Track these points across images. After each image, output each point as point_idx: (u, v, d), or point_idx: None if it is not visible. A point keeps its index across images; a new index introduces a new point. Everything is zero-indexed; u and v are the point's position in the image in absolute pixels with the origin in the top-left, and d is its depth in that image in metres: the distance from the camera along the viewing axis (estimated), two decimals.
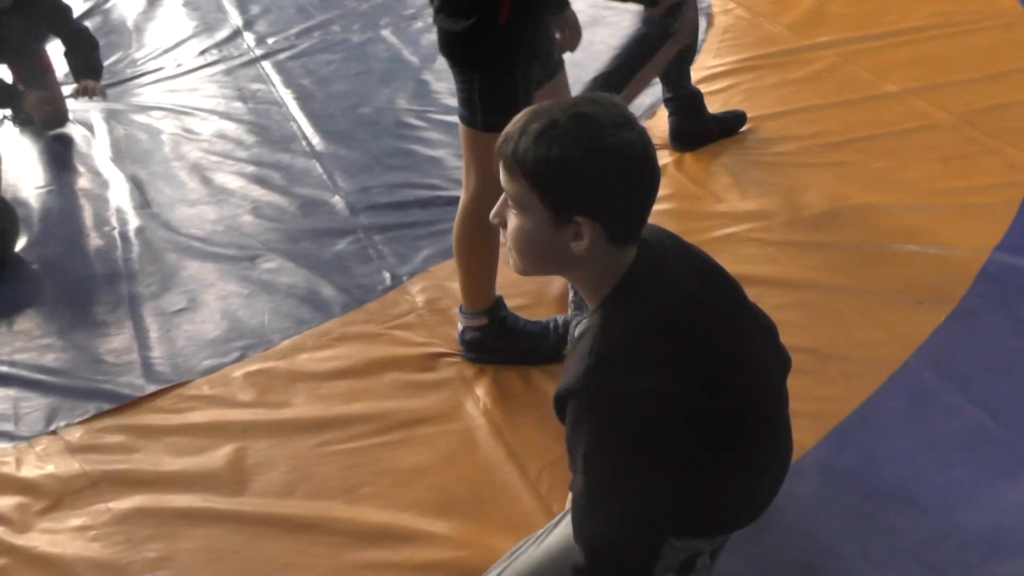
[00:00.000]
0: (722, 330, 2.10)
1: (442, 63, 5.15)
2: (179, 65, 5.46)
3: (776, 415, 2.27)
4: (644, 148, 1.94)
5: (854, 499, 2.78)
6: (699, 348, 2.02)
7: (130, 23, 5.97)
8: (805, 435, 2.92)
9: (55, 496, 2.96)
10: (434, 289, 3.65)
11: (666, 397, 1.96)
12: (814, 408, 3.02)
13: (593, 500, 2.01)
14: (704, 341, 2.04)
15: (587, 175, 1.91)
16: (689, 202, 4.03)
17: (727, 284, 2.20)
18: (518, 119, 1.97)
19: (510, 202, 2.01)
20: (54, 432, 3.18)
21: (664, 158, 4.28)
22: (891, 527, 2.70)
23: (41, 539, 2.83)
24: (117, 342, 3.54)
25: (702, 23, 5.38)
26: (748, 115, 4.51)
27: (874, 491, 2.80)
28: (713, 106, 4.52)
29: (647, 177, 1.96)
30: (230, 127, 4.78)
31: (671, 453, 2.00)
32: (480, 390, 3.20)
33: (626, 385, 1.94)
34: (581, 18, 3.40)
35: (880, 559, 2.63)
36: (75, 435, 3.17)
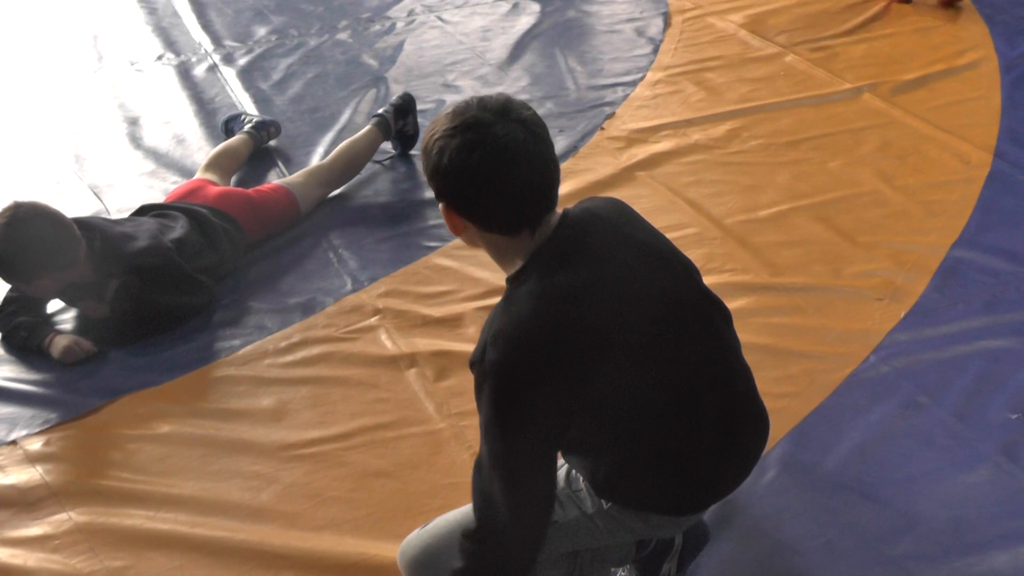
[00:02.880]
0: (635, 309, 2.13)
1: (401, 65, 5.22)
2: (135, 67, 5.43)
3: (709, 399, 2.24)
4: (504, 146, 2.03)
5: (816, 495, 2.80)
6: (593, 326, 2.08)
7: (88, 25, 5.93)
8: None
9: (15, 506, 2.93)
10: (395, 294, 3.64)
11: (558, 372, 2.04)
12: (775, 405, 3.01)
13: (487, 468, 2.11)
14: (604, 318, 2.09)
15: (442, 176, 2.09)
16: (650, 202, 4.03)
17: (661, 262, 2.22)
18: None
19: None
20: (13, 442, 3.15)
21: (631, 156, 4.29)
22: (853, 522, 2.72)
23: (2, 551, 2.80)
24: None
25: (659, 24, 5.41)
26: (705, 114, 4.53)
27: (836, 487, 2.82)
28: (671, 105, 4.54)
29: (506, 176, 2.05)
30: (187, 131, 4.75)
31: (562, 426, 2.10)
32: (443, 393, 3.20)
33: (518, 359, 2.03)
34: None
35: (843, 554, 2.65)
36: (35, 444, 3.13)
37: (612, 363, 2.09)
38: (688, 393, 2.19)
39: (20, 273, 3.44)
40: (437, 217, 4.03)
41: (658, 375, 2.15)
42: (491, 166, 2.04)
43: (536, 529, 2.17)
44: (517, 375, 2.05)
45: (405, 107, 4.44)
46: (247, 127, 4.52)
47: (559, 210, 2.18)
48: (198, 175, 4.17)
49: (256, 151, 4.52)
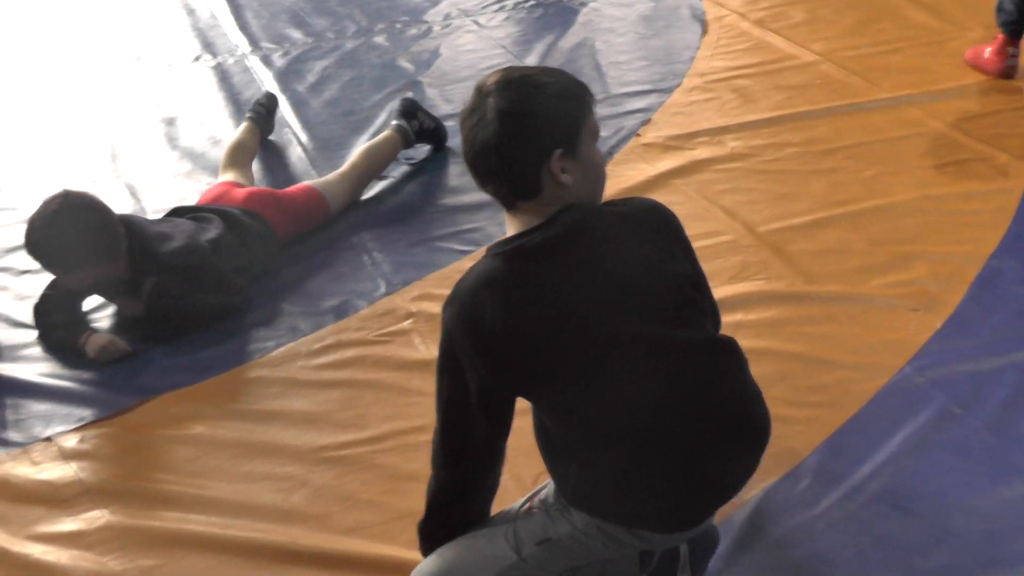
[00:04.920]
0: (577, 329, 2.19)
1: (436, 69, 5.22)
2: (172, 67, 5.46)
3: (673, 418, 2.23)
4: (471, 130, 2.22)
5: (849, 506, 2.78)
6: (530, 319, 2.18)
7: (126, 25, 5.97)
8: (800, 441, 2.93)
9: (49, 502, 2.95)
10: (428, 297, 3.65)
11: (484, 345, 2.19)
12: (809, 414, 3.03)
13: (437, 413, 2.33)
14: (545, 320, 2.18)
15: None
16: (684, 209, 4.02)
17: (628, 298, 2.23)
18: None
19: None
20: (49, 439, 3.17)
21: (667, 163, 4.28)
22: (886, 533, 2.70)
23: (35, 547, 2.82)
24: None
25: (696, 31, 5.40)
26: (741, 122, 4.52)
27: (869, 498, 2.80)
28: (707, 112, 4.54)
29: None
30: (223, 132, 4.77)
31: (489, 390, 2.23)
32: None
33: (457, 320, 2.21)
34: None
35: (875, 565, 2.63)
36: (70, 441, 3.16)
37: (550, 364, 2.19)
38: (642, 411, 2.20)
39: (61, 261, 3.47)
40: (470, 221, 4.05)
41: (603, 383, 2.19)
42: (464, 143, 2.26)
43: (456, 470, 2.34)
44: (455, 334, 2.21)
45: (407, 110, 4.46)
46: (247, 115, 4.62)
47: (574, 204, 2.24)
48: (220, 179, 4.19)
49: (268, 132, 4.61)
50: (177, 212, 3.89)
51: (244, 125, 4.54)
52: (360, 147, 4.36)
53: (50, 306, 3.59)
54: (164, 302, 3.53)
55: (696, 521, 2.33)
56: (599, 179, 2.31)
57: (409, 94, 4.66)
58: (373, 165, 4.29)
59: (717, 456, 2.26)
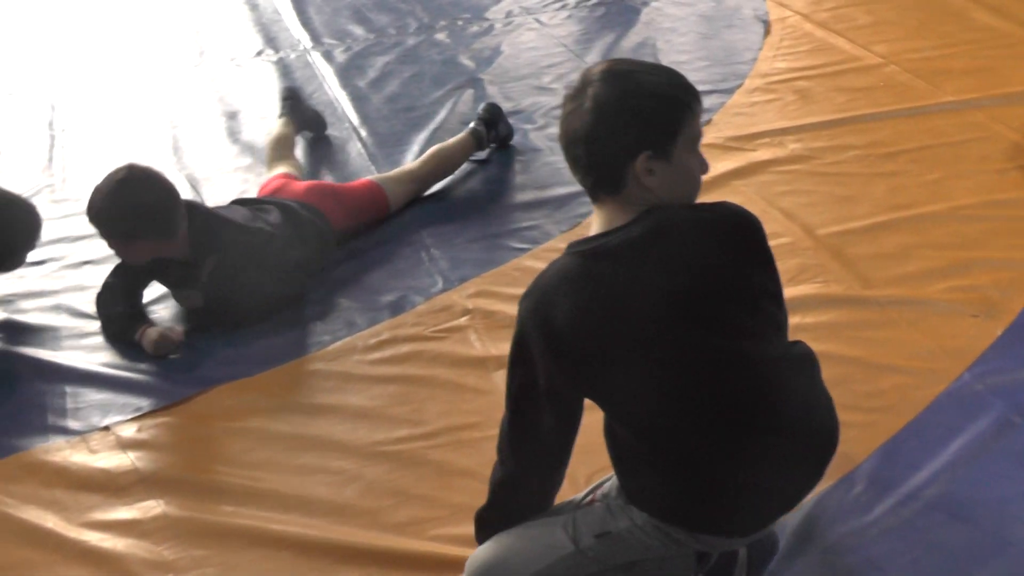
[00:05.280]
0: (661, 309, 2.18)
1: (497, 67, 5.22)
2: (235, 62, 5.50)
3: (739, 425, 2.22)
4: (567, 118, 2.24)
5: (904, 512, 2.75)
6: (598, 316, 2.17)
7: (190, 20, 6.02)
8: (856, 446, 2.90)
9: (106, 490, 2.99)
10: (485, 294, 3.65)
11: (552, 339, 2.18)
12: (865, 419, 3.00)
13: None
14: (608, 319, 2.17)
15: None
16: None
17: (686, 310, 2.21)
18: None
19: None
20: (107, 428, 3.21)
21: (727, 164, 4.26)
22: (941, 541, 2.67)
23: (91, 534, 2.85)
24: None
25: (759, 31, 5.37)
26: (802, 123, 4.50)
27: (925, 505, 2.77)
28: (768, 114, 4.51)
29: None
30: None
31: (556, 386, 2.22)
32: None
33: (529, 314, 2.22)
34: None
35: (929, 573, 2.59)
36: (128, 431, 3.19)
37: (613, 368, 2.20)
38: (707, 422, 2.20)
39: (121, 232, 3.49)
40: (529, 219, 4.05)
41: (666, 391, 2.19)
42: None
43: (521, 460, 2.35)
44: (527, 327, 2.22)
45: (491, 119, 4.47)
46: (278, 114, 4.68)
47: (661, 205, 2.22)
48: (274, 172, 4.22)
49: (306, 119, 4.66)
50: (238, 203, 3.92)
51: (279, 121, 4.57)
52: (431, 148, 4.36)
53: (110, 296, 3.62)
54: (224, 285, 3.55)
55: (758, 528, 2.33)
56: (690, 185, 2.26)
57: (494, 101, 4.65)
58: (441, 167, 4.30)
59: (782, 467, 2.24)
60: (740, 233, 2.29)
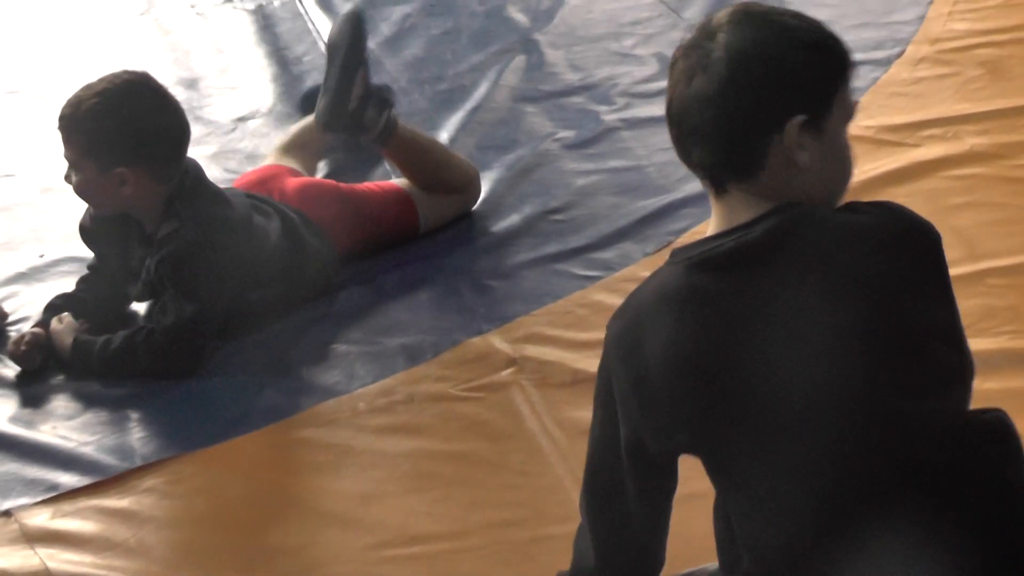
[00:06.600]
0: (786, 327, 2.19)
1: (561, 22, 5.25)
2: (195, 9, 5.58)
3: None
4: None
5: None
6: (716, 347, 2.20)
7: None
8: None
9: None
10: (537, 339, 3.69)
11: (637, 373, 2.25)
12: None
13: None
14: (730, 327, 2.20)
15: None
16: None
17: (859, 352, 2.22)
18: None
19: None
20: (7, 513, 3.23)
21: (881, 163, 4.27)
22: None
23: None
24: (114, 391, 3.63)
25: None
26: (990, 109, 4.52)
27: None
28: (940, 94, 4.54)
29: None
30: (260, 103, 4.85)
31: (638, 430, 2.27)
32: None
33: (618, 340, 2.30)
34: None
35: None
36: (38, 518, 3.22)
37: (713, 417, 2.22)
38: (842, 499, 2.21)
39: (111, 149, 3.60)
40: (596, 235, 4.06)
41: (791, 471, 2.21)
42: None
43: (601, 529, 2.41)
44: (611, 356, 2.32)
45: None
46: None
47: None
48: (269, 162, 4.27)
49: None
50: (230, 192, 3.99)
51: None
52: None
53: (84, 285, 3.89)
54: (180, 256, 3.62)
55: None
56: (844, 171, 2.31)
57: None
58: None
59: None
60: (909, 248, 2.29)
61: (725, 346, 2.19)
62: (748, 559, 2.28)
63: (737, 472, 2.25)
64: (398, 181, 4.22)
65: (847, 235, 2.25)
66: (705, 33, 2.25)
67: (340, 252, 3.97)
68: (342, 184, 4.16)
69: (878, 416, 2.20)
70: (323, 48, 5.08)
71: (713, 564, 2.45)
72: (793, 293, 2.20)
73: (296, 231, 3.86)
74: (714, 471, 2.28)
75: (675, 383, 2.20)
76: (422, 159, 4.20)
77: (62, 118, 3.67)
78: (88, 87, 3.67)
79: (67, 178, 3.73)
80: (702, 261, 2.23)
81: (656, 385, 2.21)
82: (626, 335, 2.26)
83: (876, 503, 2.20)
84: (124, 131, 3.58)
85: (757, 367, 2.18)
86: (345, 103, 4.03)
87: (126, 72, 3.71)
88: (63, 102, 3.66)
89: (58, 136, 3.67)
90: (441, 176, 4.19)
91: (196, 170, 3.78)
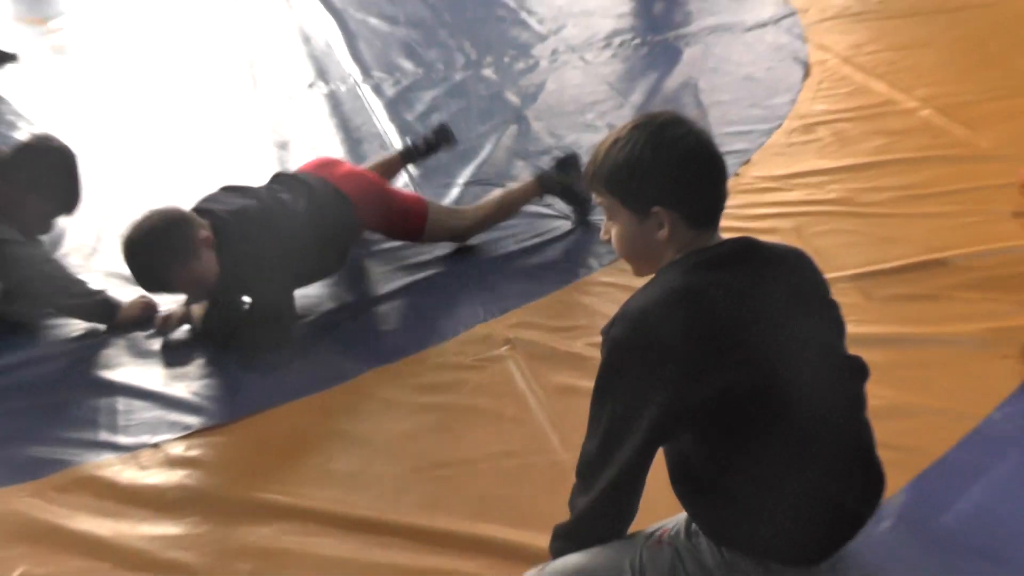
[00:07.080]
0: (760, 323, 2.14)
1: (542, 103, 5.28)
2: (287, 93, 5.59)
3: (833, 448, 2.23)
4: (697, 141, 2.18)
5: (933, 551, 2.75)
6: (720, 331, 2.10)
7: (245, 51, 6.12)
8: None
9: (155, 506, 3.04)
10: (526, 325, 3.70)
11: (668, 364, 2.08)
12: (893, 457, 2.98)
13: (588, 427, 2.23)
14: (736, 331, 2.11)
15: (653, 169, 2.16)
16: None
17: (814, 306, 2.28)
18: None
19: (605, 217, 2.27)
20: (156, 445, 3.27)
21: (765, 203, 4.31)
22: None
23: (139, 544, 2.90)
24: (229, 359, 3.64)
25: (798, 73, 5.41)
26: (840, 165, 4.53)
27: (954, 544, 2.77)
28: (806, 154, 4.55)
29: (706, 165, 2.19)
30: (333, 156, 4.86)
31: (658, 422, 2.11)
32: (568, 426, 3.20)
33: (633, 341, 2.11)
34: None
35: None
36: (177, 449, 3.25)
37: (731, 376, 2.09)
38: (814, 439, 2.18)
39: (155, 272, 3.50)
40: (572, 252, 4.09)
41: (782, 414, 2.14)
42: (698, 153, 2.18)
43: (605, 492, 2.22)
44: (626, 355, 2.13)
45: (567, 161, 4.35)
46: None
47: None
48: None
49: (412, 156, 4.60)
50: (277, 178, 3.95)
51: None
52: (496, 193, 4.27)
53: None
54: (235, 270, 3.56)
55: (832, 552, 2.32)
56: None
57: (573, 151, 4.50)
58: (495, 216, 4.22)
59: (856, 486, 2.29)
60: (808, 263, 2.34)
61: (735, 311, 2.12)
62: (723, 501, 2.22)
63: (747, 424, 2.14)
64: (427, 199, 4.15)
65: (780, 253, 2.27)
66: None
67: (360, 227, 3.96)
68: (383, 180, 4.12)
69: (836, 368, 2.27)
70: (376, 121, 5.12)
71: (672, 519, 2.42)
72: (770, 286, 2.19)
73: (320, 199, 3.78)
74: (712, 431, 2.16)
75: (705, 343, 2.09)
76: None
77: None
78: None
79: None
80: (697, 264, 2.16)
81: (687, 349, 2.08)
82: (635, 334, 2.11)
83: (827, 427, 2.22)
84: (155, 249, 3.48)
85: (761, 327, 2.14)
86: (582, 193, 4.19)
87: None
88: None
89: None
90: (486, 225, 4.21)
91: (213, 212, 3.65)
